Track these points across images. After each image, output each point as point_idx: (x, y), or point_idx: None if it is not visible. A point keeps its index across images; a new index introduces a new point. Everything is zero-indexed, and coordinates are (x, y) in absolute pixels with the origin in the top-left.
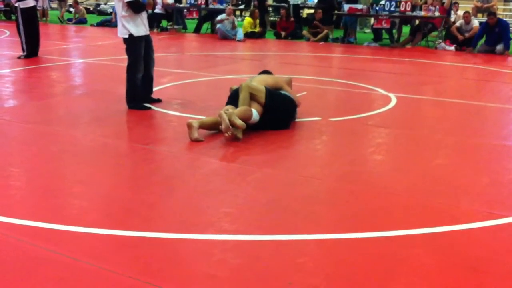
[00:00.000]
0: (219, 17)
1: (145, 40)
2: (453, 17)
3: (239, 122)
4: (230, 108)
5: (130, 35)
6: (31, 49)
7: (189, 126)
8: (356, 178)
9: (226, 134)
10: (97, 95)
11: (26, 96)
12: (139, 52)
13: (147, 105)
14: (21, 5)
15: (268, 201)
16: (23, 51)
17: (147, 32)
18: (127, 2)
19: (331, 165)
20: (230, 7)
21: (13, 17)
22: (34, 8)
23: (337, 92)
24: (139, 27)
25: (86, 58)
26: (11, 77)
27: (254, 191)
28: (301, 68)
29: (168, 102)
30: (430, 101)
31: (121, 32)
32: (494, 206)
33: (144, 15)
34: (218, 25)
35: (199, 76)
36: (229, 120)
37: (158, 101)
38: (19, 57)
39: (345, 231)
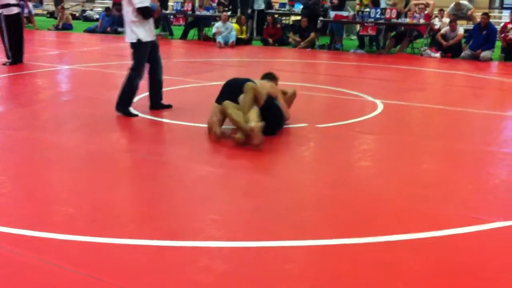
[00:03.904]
0: (215, 29)
1: (152, 45)
2: (438, 24)
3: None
4: (253, 119)
5: (139, 40)
6: (16, 55)
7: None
8: (343, 184)
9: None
10: (83, 101)
11: (10, 103)
12: (144, 57)
13: (134, 112)
14: (5, 12)
15: (255, 207)
16: (8, 58)
17: (154, 38)
18: (137, 8)
19: (318, 171)
20: (224, 13)
21: None
22: (18, 14)
23: (323, 98)
24: (147, 32)
25: (71, 64)
26: None
27: (241, 197)
28: (287, 74)
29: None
30: (416, 108)
31: (130, 37)
32: (480, 212)
33: (151, 21)
34: (218, 38)
35: (186, 82)
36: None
37: (169, 106)
38: (4, 64)
39: (332, 237)
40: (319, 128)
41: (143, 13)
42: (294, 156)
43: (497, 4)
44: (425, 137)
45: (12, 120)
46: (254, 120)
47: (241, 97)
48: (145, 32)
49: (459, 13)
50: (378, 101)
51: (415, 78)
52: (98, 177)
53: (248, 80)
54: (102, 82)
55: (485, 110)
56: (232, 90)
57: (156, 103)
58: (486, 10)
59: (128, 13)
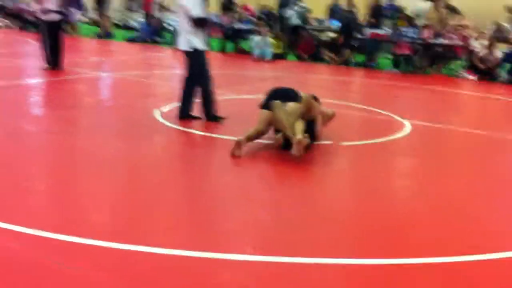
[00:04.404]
0: (253, 43)
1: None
2: (477, 47)
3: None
4: (300, 132)
5: (195, 48)
6: (55, 61)
7: (238, 143)
8: (364, 203)
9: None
10: (118, 108)
11: (47, 107)
12: (204, 64)
13: (195, 115)
14: (45, 17)
15: (278, 221)
16: (47, 63)
17: (207, 47)
18: (193, 18)
19: (338, 189)
20: (265, 28)
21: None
22: (58, 21)
23: (351, 116)
24: (202, 41)
25: (110, 72)
26: (35, 88)
27: (264, 210)
28: (319, 90)
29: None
30: (444, 130)
31: (185, 46)
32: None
33: (205, 31)
34: (256, 51)
35: (222, 94)
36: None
37: (221, 119)
38: (43, 69)
39: (351, 256)
40: (343, 146)
41: (198, 23)
42: (313, 173)
43: None
44: (450, 160)
45: (48, 123)
46: (300, 132)
47: (290, 105)
48: (200, 41)
49: (499, 36)
50: (406, 122)
51: (447, 100)
52: (122, 183)
53: (294, 91)
54: (138, 90)
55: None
56: (279, 97)
57: (209, 115)
58: None
59: (183, 23)
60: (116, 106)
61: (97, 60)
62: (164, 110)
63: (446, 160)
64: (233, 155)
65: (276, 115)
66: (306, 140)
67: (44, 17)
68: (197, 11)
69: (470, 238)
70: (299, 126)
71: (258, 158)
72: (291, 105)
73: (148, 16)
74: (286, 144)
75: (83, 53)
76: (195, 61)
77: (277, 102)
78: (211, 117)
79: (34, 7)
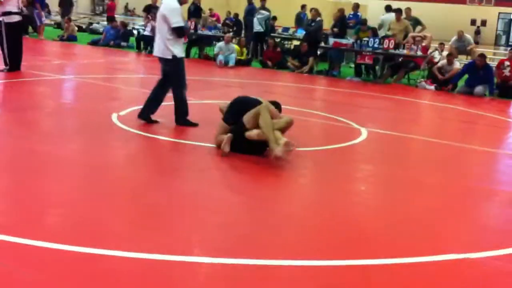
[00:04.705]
0: (217, 49)
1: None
2: (438, 58)
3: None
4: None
5: (174, 56)
6: (14, 63)
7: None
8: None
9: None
10: (74, 112)
11: (1, 108)
12: (182, 71)
13: (194, 122)
14: (5, 19)
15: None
16: (6, 64)
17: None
18: (173, 28)
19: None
20: (228, 34)
21: None
22: (18, 23)
23: (309, 123)
24: (181, 49)
25: (70, 74)
26: None
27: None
28: (282, 98)
29: (142, 122)
30: (399, 137)
31: (164, 53)
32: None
33: (183, 38)
34: (220, 56)
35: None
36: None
37: (155, 122)
38: (1, 70)
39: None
40: (300, 151)
41: (178, 32)
42: (270, 177)
43: (503, 41)
44: (400, 167)
45: (1, 124)
46: (282, 138)
47: (250, 114)
48: (179, 49)
49: (460, 46)
50: (363, 129)
51: (405, 109)
52: (78, 185)
53: (258, 99)
54: (97, 94)
55: (468, 145)
56: (241, 107)
57: (146, 115)
58: (492, 47)
59: (163, 31)
60: (73, 109)
61: (58, 63)
62: (122, 114)
63: (398, 166)
64: (224, 154)
65: (262, 118)
66: (293, 145)
67: (5, 20)
68: (177, 21)
69: (420, 240)
70: (279, 133)
71: (218, 162)
72: (249, 115)
73: (111, 20)
74: (235, 144)
75: (45, 55)
76: (174, 68)
77: (266, 102)
78: (183, 122)
79: None
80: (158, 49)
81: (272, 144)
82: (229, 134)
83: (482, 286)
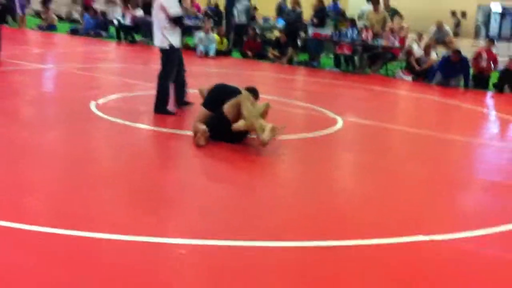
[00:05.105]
0: (197, 39)
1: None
2: (415, 48)
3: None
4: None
5: (171, 46)
6: None
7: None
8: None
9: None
10: (54, 100)
11: None
12: (175, 62)
13: (172, 110)
14: None
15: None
16: None
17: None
18: (171, 17)
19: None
20: (208, 24)
21: None
22: None
23: (286, 112)
24: (178, 39)
25: (50, 64)
26: None
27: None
28: (261, 87)
29: (120, 111)
30: (373, 126)
31: (161, 43)
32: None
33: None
34: (200, 46)
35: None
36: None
37: (190, 104)
38: None
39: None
40: (278, 139)
41: (177, 22)
42: (250, 163)
43: (482, 34)
44: (375, 155)
45: None
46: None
47: (230, 104)
48: (176, 38)
49: (439, 37)
50: (339, 118)
51: (381, 98)
52: (72, 176)
53: (237, 88)
54: (76, 82)
55: (443, 134)
56: (219, 95)
57: (181, 101)
58: (471, 40)
59: (161, 20)
60: (52, 98)
61: (38, 52)
62: (100, 102)
63: (373, 153)
64: (198, 145)
65: (244, 107)
66: (279, 129)
67: None
68: (175, 10)
69: (390, 223)
70: (263, 121)
71: (197, 150)
72: (230, 103)
73: (89, 9)
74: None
75: (24, 45)
76: (168, 58)
77: (246, 92)
78: (162, 110)
79: None
80: (157, 39)
81: (259, 131)
82: (204, 127)
83: (442, 266)
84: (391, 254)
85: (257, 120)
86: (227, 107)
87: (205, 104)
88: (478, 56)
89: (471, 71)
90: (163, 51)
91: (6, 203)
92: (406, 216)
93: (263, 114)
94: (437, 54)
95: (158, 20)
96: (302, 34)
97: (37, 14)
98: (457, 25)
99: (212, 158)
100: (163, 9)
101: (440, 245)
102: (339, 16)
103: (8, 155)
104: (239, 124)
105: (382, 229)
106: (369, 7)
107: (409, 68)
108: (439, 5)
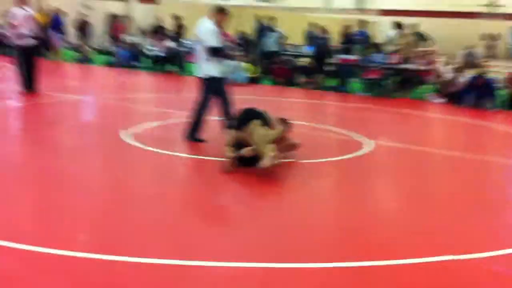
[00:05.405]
0: (231, 68)
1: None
2: (446, 71)
3: None
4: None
5: (211, 76)
6: (31, 85)
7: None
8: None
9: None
10: (89, 129)
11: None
12: (213, 92)
13: (201, 138)
14: (19, 43)
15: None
16: (23, 87)
17: (224, 75)
18: (208, 48)
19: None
20: (238, 52)
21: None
22: (32, 46)
23: (315, 136)
24: (218, 69)
25: (86, 95)
26: (11, 110)
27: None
28: (290, 113)
29: (153, 138)
30: (404, 149)
31: (202, 73)
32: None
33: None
34: (232, 76)
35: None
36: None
37: (202, 141)
38: (19, 93)
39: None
40: (303, 163)
41: (214, 53)
42: (274, 186)
43: None
44: (406, 177)
45: (17, 144)
46: (273, 151)
47: (256, 126)
48: (217, 69)
49: (469, 59)
50: (370, 141)
51: (411, 122)
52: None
53: (264, 111)
54: (110, 112)
55: (476, 155)
56: (246, 117)
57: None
58: (504, 61)
59: (200, 52)
60: (87, 127)
61: (74, 84)
62: (134, 131)
63: (404, 176)
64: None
65: (252, 131)
66: (279, 158)
67: (18, 42)
68: (213, 42)
69: (421, 243)
70: (271, 147)
71: (225, 176)
72: (269, 130)
73: (117, 41)
74: (241, 161)
75: (61, 77)
76: (208, 87)
77: (256, 121)
78: (193, 138)
79: (9, 32)
80: (198, 69)
81: (263, 157)
82: (231, 154)
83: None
84: (421, 274)
85: (265, 146)
86: (246, 132)
87: (234, 126)
88: (511, 77)
89: (506, 92)
90: (203, 80)
91: (51, 230)
92: (436, 236)
93: (277, 140)
94: (467, 77)
95: (198, 52)
96: (331, 60)
97: (74, 48)
98: (490, 47)
99: (239, 183)
100: (201, 41)
101: (471, 265)
102: (366, 42)
103: (49, 183)
104: (247, 149)
105: (414, 249)
106: (395, 32)
107: (439, 91)
108: (467, 30)
